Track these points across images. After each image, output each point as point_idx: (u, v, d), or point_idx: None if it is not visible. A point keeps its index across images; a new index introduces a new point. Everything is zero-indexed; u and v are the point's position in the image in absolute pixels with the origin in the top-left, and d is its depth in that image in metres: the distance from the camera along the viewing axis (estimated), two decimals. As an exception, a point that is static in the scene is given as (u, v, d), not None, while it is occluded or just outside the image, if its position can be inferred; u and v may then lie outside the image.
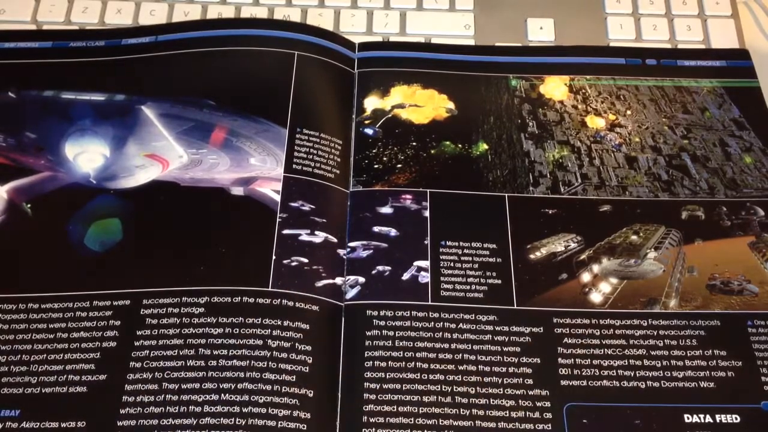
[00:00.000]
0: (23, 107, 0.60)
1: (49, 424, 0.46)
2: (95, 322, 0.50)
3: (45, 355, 0.49)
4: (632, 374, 0.49)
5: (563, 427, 0.47)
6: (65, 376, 0.48)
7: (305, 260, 0.52)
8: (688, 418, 0.47)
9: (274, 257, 0.52)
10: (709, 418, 0.47)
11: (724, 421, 0.47)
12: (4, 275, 0.53)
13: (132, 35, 0.65)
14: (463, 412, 0.47)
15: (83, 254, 0.53)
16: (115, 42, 0.64)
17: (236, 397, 0.47)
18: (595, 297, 0.52)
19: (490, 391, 0.48)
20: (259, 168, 0.57)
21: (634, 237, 0.55)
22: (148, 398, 0.47)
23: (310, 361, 0.49)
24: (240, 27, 0.65)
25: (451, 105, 0.62)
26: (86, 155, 0.57)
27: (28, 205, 0.55)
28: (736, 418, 0.47)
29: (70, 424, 0.46)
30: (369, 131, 0.60)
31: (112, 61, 0.63)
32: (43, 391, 0.47)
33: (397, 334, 0.50)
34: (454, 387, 0.48)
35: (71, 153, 0.57)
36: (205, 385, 0.47)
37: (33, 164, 0.57)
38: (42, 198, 0.56)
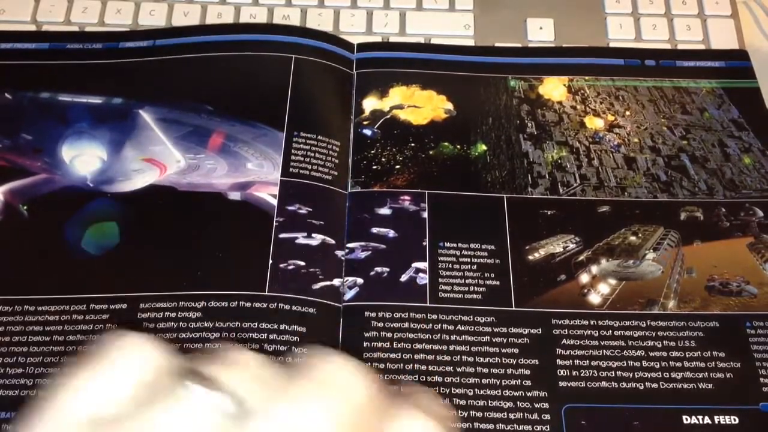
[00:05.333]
0: (19, 108, 0.60)
1: None
2: (92, 325, 0.50)
3: (41, 358, 0.49)
4: (631, 375, 0.49)
5: (561, 428, 0.47)
6: None
7: (302, 263, 0.52)
8: (686, 420, 0.47)
9: (270, 261, 0.52)
10: (707, 420, 0.47)
11: (722, 422, 0.47)
12: (0, 276, 0.52)
13: (130, 39, 0.65)
14: (461, 413, 0.47)
15: (80, 257, 0.53)
16: (113, 45, 0.64)
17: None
18: (594, 298, 0.52)
19: (488, 392, 0.48)
20: (256, 173, 0.57)
21: (632, 238, 0.55)
22: None
23: (307, 364, 0.49)
24: (237, 32, 0.65)
25: (449, 106, 0.62)
26: (83, 158, 0.57)
27: (25, 207, 0.55)
28: (734, 420, 0.47)
29: (67, 426, 0.46)
30: (367, 132, 0.60)
31: (109, 64, 0.63)
32: (40, 393, 0.47)
33: (395, 336, 0.50)
34: (452, 389, 0.48)
35: (68, 156, 0.57)
36: None
37: (29, 166, 0.57)
38: (38, 200, 0.55)
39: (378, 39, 0.66)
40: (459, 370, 0.49)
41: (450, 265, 0.53)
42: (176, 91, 0.61)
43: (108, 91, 0.61)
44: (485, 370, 0.49)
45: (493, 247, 0.54)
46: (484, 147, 0.60)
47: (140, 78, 0.62)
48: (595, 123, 0.61)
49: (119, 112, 0.59)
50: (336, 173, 0.57)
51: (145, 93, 0.61)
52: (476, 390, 0.48)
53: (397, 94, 0.62)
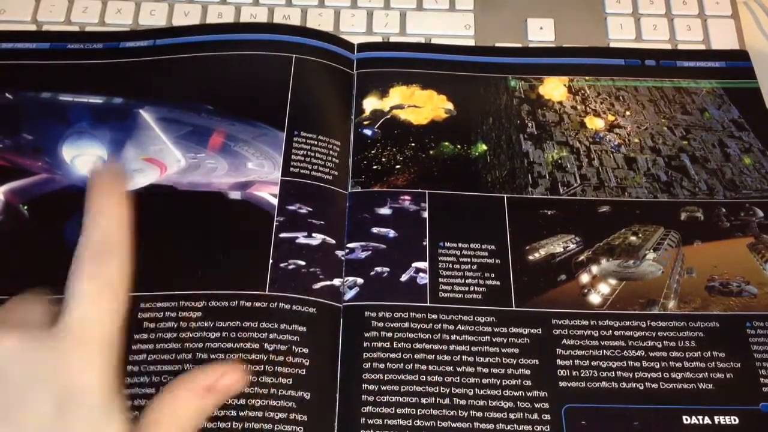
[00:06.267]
0: (20, 109, 0.60)
1: None
2: None
3: None
4: (631, 375, 0.49)
5: (561, 428, 0.47)
6: None
7: (302, 263, 0.52)
8: (686, 420, 0.47)
9: (271, 261, 0.52)
10: (707, 420, 0.47)
11: (722, 422, 0.47)
12: (0, 276, 0.52)
13: (130, 38, 0.65)
14: (461, 413, 0.47)
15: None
16: (113, 45, 0.64)
17: (233, 401, 0.47)
18: (594, 298, 0.52)
19: (489, 392, 0.48)
20: (256, 172, 0.57)
21: (633, 238, 0.55)
22: (146, 402, 0.47)
23: (307, 364, 0.49)
24: (238, 32, 0.65)
25: (450, 105, 0.62)
26: (84, 158, 0.57)
27: (25, 207, 0.55)
28: (734, 420, 0.47)
29: (66, 426, 0.46)
30: (368, 132, 0.60)
31: (109, 64, 0.63)
32: None
33: (395, 336, 0.50)
34: (453, 388, 0.48)
35: (68, 155, 0.57)
36: None
37: (30, 166, 0.57)
38: (39, 200, 0.56)
39: (378, 39, 0.66)
40: (459, 369, 0.49)
41: (450, 265, 0.53)
42: (176, 90, 0.61)
43: (108, 90, 0.61)
44: (485, 370, 0.49)
45: (493, 247, 0.54)
46: (484, 147, 0.60)
47: (140, 78, 0.62)
48: (595, 123, 0.61)
49: (120, 112, 0.59)
50: (336, 173, 0.57)
51: (145, 93, 0.61)
52: (476, 390, 0.48)
53: (398, 94, 0.62)
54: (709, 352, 0.50)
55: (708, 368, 0.49)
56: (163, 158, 0.57)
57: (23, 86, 0.61)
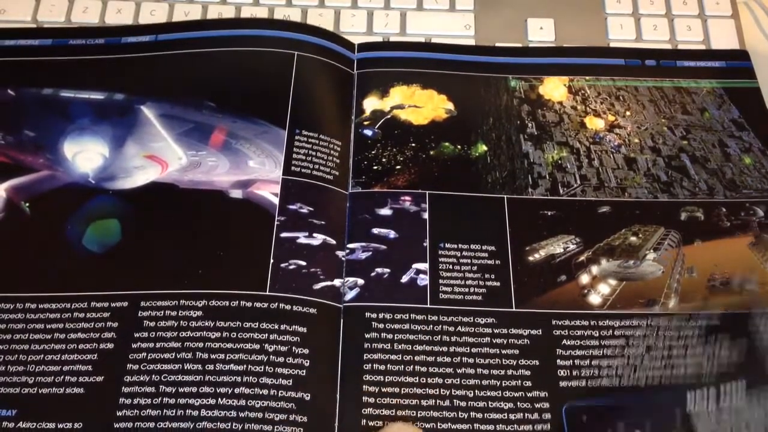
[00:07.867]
0: (22, 105, 0.60)
1: (46, 425, 0.46)
2: (93, 323, 0.50)
3: (42, 356, 0.49)
4: (631, 374, 0.49)
5: (562, 428, 0.47)
6: (62, 377, 0.48)
7: (303, 263, 0.52)
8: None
9: (272, 260, 0.52)
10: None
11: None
12: (2, 274, 0.52)
13: (132, 33, 0.65)
14: (461, 414, 0.47)
15: (81, 255, 0.53)
16: (115, 40, 0.64)
17: (233, 402, 0.47)
18: (594, 298, 0.52)
19: (489, 393, 0.48)
20: (257, 170, 0.57)
21: (633, 238, 0.55)
22: (145, 401, 0.47)
23: (307, 365, 0.49)
24: (240, 27, 0.65)
25: (450, 105, 0.62)
26: (85, 154, 0.57)
27: (27, 204, 0.55)
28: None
29: (66, 425, 0.46)
30: (368, 132, 0.60)
31: (111, 59, 0.63)
32: (40, 391, 0.47)
33: (395, 337, 0.50)
34: (453, 390, 0.48)
35: (70, 152, 0.57)
36: (202, 389, 0.47)
37: (31, 163, 0.57)
38: (40, 197, 0.55)
39: (378, 39, 0.66)
40: (459, 371, 0.49)
41: (450, 266, 0.53)
42: (178, 86, 0.61)
43: (110, 86, 0.61)
44: (486, 371, 0.49)
45: (493, 247, 0.54)
46: (484, 147, 0.60)
47: (142, 73, 0.62)
48: (595, 123, 0.61)
49: (121, 108, 0.59)
50: (337, 173, 0.57)
51: (147, 88, 0.61)
52: (477, 391, 0.48)
53: (398, 94, 0.62)
54: (709, 351, 0.50)
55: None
56: (164, 155, 0.57)
57: (25, 82, 0.61)
